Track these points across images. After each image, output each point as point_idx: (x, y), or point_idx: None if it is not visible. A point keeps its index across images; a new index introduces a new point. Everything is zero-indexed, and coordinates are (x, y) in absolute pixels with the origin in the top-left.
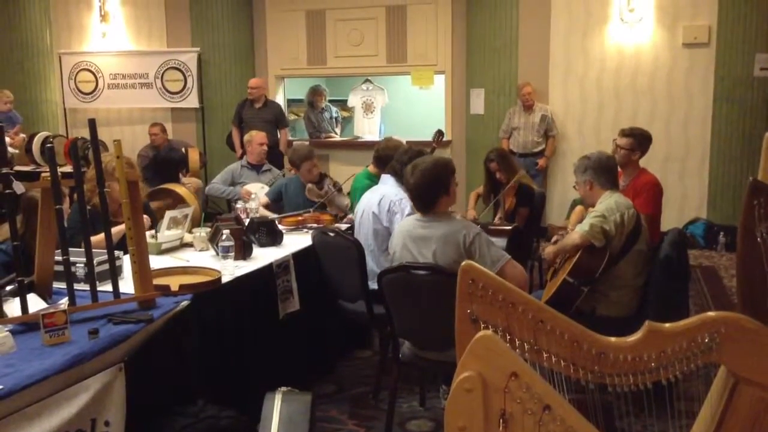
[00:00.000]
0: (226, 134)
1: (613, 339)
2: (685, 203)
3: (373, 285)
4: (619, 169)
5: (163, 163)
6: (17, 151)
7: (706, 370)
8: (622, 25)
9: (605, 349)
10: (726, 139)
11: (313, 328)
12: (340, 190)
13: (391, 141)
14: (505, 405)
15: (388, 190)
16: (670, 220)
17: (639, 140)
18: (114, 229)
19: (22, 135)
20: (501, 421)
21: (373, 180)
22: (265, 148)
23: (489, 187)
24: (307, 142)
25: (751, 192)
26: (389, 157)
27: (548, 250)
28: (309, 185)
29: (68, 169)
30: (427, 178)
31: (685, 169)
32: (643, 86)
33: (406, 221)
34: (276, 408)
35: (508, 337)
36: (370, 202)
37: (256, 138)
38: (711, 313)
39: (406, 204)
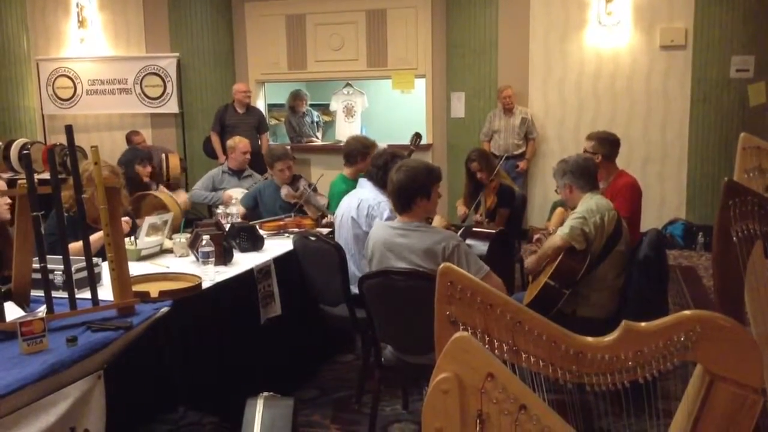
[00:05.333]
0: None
1: (590, 339)
2: (664, 204)
3: (355, 289)
4: None
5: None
6: None
7: (683, 369)
8: (600, 28)
9: (583, 348)
10: (703, 140)
11: (295, 332)
12: (314, 190)
13: (356, 137)
14: (481, 406)
15: (366, 194)
16: (650, 221)
17: (600, 142)
18: (94, 236)
19: None
20: (478, 421)
21: (349, 184)
22: (248, 156)
23: (470, 187)
24: (288, 147)
25: (727, 192)
26: (355, 151)
27: (529, 260)
28: (284, 188)
29: (47, 175)
30: (410, 177)
31: (663, 171)
32: (621, 89)
33: (382, 228)
34: (258, 413)
35: (487, 339)
36: (348, 207)
37: (240, 146)
38: (686, 312)
39: (385, 207)
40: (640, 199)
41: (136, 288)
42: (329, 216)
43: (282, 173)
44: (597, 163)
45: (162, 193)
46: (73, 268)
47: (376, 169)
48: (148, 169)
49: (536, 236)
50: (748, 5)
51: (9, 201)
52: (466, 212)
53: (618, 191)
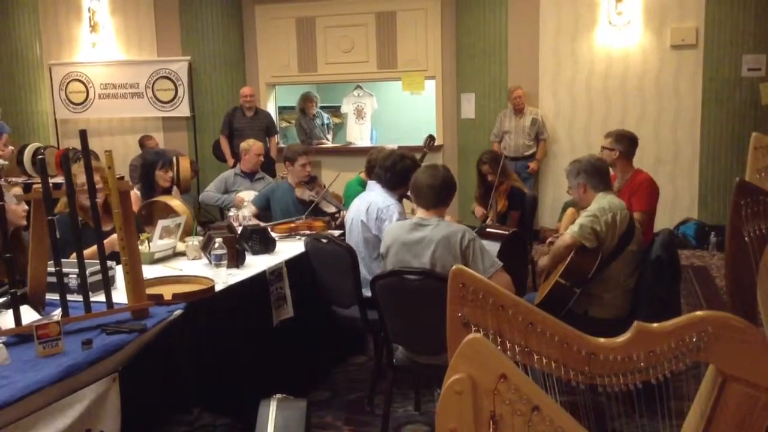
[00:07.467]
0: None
1: (602, 340)
2: (676, 204)
3: (365, 293)
4: (612, 172)
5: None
6: (6, 163)
7: (696, 369)
8: (610, 28)
9: (595, 349)
10: (715, 140)
11: (307, 334)
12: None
13: (382, 150)
14: (494, 406)
15: (375, 198)
16: (662, 221)
17: (618, 139)
18: (106, 241)
19: (11, 147)
20: (491, 422)
21: (365, 187)
22: (262, 159)
23: (482, 189)
24: None
25: (738, 192)
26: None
27: (542, 261)
28: (298, 189)
29: (58, 180)
30: (444, 180)
31: (675, 170)
32: (632, 88)
33: (396, 226)
34: (271, 415)
35: (499, 340)
36: (358, 210)
37: (254, 148)
38: (699, 313)
39: (394, 210)
40: (657, 197)
41: (149, 291)
42: (344, 212)
43: (304, 168)
44: (612, 162)
45: (171, 199)
46: (87, 272)
47: (384, 171)
48: (170, 174)
49: (549, 239)
50: (760, 3)
51: (26, 207)
52: (484, 212)
53: (637, 188)
